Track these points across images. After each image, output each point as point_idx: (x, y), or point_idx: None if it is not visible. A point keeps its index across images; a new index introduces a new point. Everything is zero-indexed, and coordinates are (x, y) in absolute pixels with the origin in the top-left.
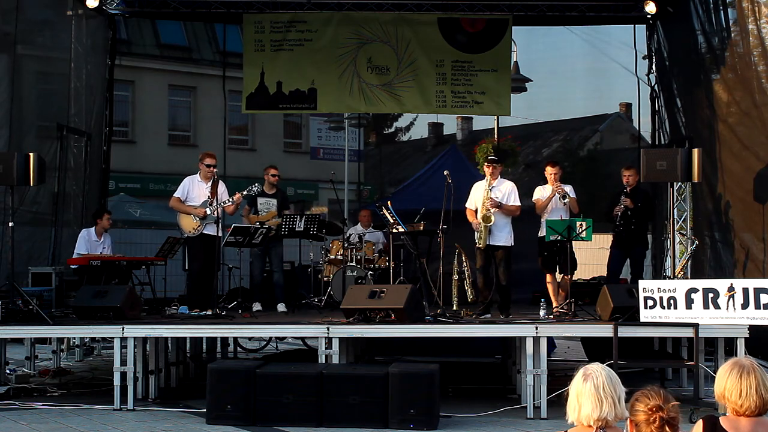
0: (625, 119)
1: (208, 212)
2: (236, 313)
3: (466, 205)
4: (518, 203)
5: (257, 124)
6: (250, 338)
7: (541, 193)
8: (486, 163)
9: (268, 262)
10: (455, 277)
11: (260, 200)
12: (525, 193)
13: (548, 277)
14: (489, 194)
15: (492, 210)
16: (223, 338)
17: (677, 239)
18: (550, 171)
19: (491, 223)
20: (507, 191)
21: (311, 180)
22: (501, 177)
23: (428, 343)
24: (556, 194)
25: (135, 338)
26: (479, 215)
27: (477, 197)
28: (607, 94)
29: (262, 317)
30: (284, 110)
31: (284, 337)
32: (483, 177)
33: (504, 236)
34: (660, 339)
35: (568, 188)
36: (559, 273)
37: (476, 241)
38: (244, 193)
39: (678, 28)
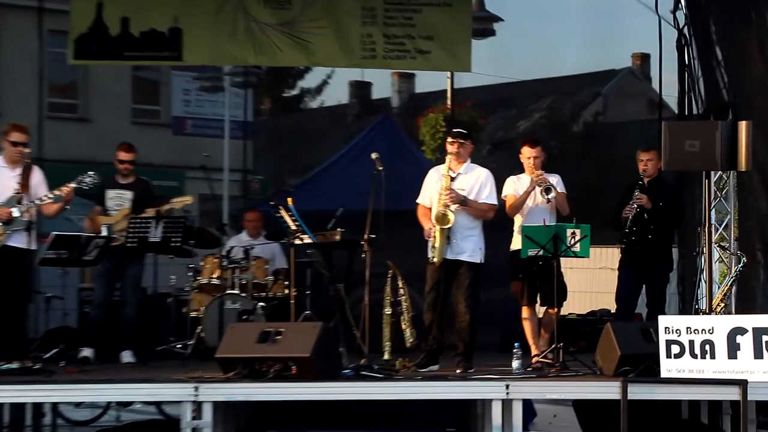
0: (641, 77)
1: (16, 213)
2: (57, 365)
3: (418, 201)
4: (493, 201)
5: (92, 82)
6: (77, 404)
7: (514, 186)
8: (450, 138)
9: (117, 289)
10: (387, 311)
11: (109, 194)
12: None
13: (525, 311)
14: (449, 183)
15: (452, 207)
16: (36, 404)
17: (716, 255)
18: (528, 154)
19: (449, 225)
20: (479, 182)
21: (173, 166)
22: (472, 161)
23: (348, 410)
24: (536, 186)
25: None
26: (433, 214)
27: (434, 189)
28: (615, 40)
29: (97, 371)
30: (133, 61)
31: (130, 403)
32: (430, 163)
33: (469, 247)
34: (690, 403)
35: (555, 179)
36: (542, 305)
37: (429, 253)
38: (73, 185)
39: None
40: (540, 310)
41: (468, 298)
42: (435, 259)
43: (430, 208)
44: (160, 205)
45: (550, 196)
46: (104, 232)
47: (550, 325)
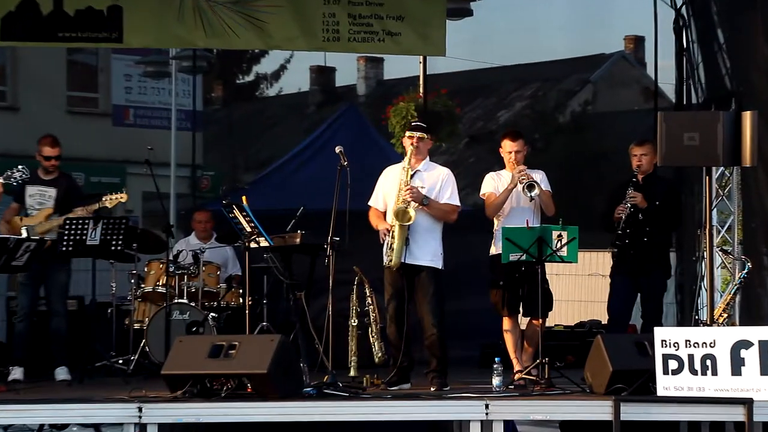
0: (634, 63)
1: None
2: None
3: (370, 203)
4: (456, 202)
5: (21, 66)
6: (6, 427)
7: (494, 183)
8: (408, 132)
9: (42, 298)
10: (354, 322)
11: (29, 190)
12: (468, 183)
13: (506, 323)
14: (409, 177)
15: (413, 204)
16: None
17: (717, 260)
18: (508, 147)
19: (409, 222)
20: (440, 181)
21: (113, 160)
22: (431, 159)
23: None
24: (518, 183)
25: None
26: (390, 210)
27: (389, 189)
28: (605, 21)
29: (29, 390)
30: (67, 42)
31: (66, 425)
32: (400, 157)
33: (429, 251)
34: (690, 425)
35: (539, 176)
36: (525, 315)
37: (384, 256)
38: (1, 181)
39: None
40: (523, 322)
41: (434, 309)
42: (392, 262)
43: (384, 212)
44: (89, 204)
45: (533, 194)
46: (24, 235)
47: (534, 338)
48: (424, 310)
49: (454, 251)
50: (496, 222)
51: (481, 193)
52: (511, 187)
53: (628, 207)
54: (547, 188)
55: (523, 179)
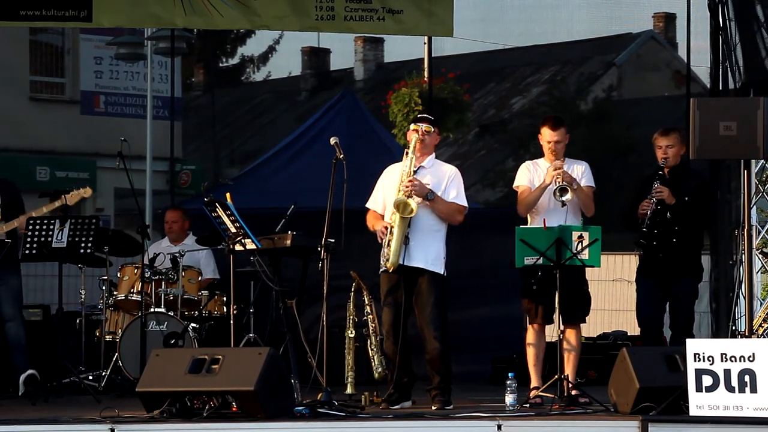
0: (665, 44)
1: None
2: None
3: (368, 205)
4: (462, 202)
5: None
6: None
7: (529, 175)
8: (413, 125)
9: None
10: (350, 333)
11: None
12: (479, 178)
13: (531, 335)
14: (412, 170)
15: (415, 198)
16: None
17: (757, 264)
18: (548, 137)
19: (411, 215)
20: (446, 179)
21: (82, 153)
22: (436, 154)
23: None
24: (554, 185)
25: None
26: (393, 200)
27: (390, 190)
28: None
29: None
30: (30, 21)
31: None
32: (403, 149)
33: (431, 253)
34: None
35: (581, 168)
36: (565, 322)
37: (382, 258)
38: None
39: None
40: (554, 329)
41: (435, 320)
42: (389, 262)
43: (383, 216)
44: (50, 203)
45: (564, 199)
46: None
47: (576, 348)
48: (423, 321)
49: (463, 254)
50: (529, 219)
51: (515, 185)
52: (545, 185)
53: (654, 202)
54: (589, 183)
55: (560, 177)
